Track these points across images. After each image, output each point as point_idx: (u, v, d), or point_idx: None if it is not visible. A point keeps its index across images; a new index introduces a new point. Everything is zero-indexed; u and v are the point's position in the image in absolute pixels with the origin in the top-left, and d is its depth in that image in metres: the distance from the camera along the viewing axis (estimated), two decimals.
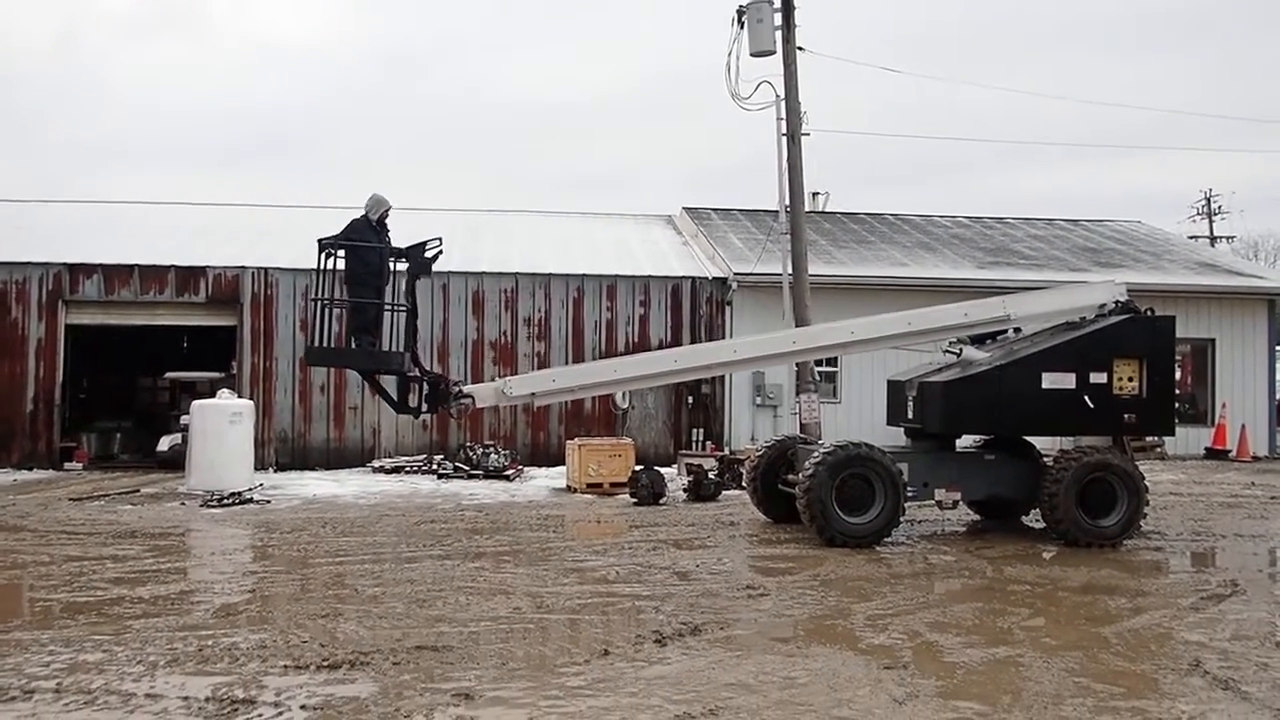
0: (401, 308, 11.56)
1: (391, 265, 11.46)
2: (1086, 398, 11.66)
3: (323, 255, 11.19)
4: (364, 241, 11.13)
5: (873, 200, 71.71)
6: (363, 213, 11.45)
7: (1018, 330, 12.82)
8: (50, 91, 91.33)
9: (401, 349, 11.44)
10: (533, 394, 12.27)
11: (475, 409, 12.36)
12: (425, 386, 11.60)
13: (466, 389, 12.00)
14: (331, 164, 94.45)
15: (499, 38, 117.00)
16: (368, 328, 11.24)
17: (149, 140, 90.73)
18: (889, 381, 13.55)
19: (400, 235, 12.07)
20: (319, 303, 11.30)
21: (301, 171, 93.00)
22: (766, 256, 20.95)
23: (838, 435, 14.10)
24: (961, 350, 12.69)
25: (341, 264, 11.19)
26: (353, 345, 11.46)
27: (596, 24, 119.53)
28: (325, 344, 11.67)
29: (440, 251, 11.59)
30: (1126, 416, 11.80)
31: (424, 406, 11.77)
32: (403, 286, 11.69)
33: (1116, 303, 12.46)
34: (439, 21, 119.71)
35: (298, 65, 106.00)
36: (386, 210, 11.51)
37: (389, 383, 11.84)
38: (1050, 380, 11.70)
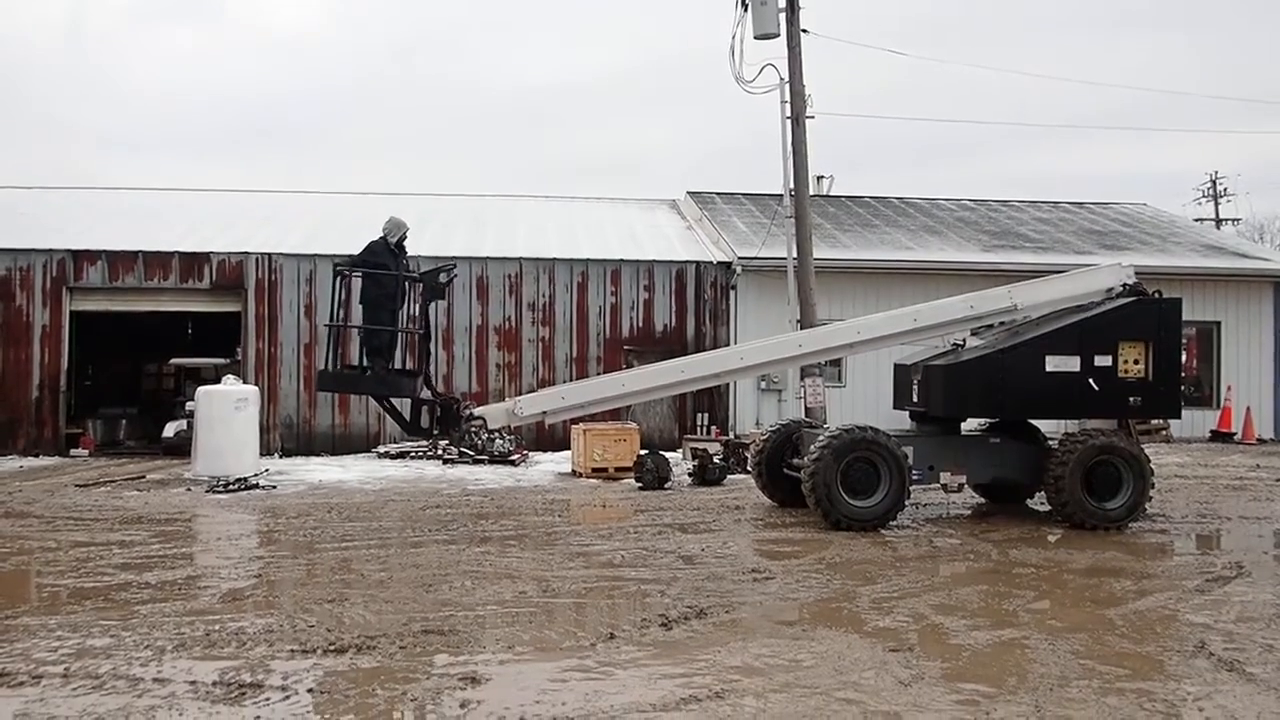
0: (415, 331, 11.85)
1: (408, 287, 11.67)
2: (1091, 381, 11.62)
3: (338, 279, 11.44)
4: (380, 263, 11.28)
5: (877, 183, 71.54)
6: (380, 235, 11.57)
7: (1026, 316, 12.72)
8: (54, 78, 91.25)
9: (414, 370, 11.74)
10: (543, 412, 12.32)
11: (488, 430, 12.46)
12: (438, 409, 11.76)
13: (477, 411, 12.13)
14: (335, 150, 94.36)
15: (502, 23, 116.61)
16: (381, 350, 11.38)
17: (153, 127, 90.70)
18: (895, 365, 13.53)
19: (413, 221, 12.29)
20: (331, 327, 11.52)
21: (306, 158, 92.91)
22: (771, 240, 20.92)
23: (842, 419, 14.11)
24: (964, 341, 12.68)
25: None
26: (365, 367, 11.58)
27: (599, 7, 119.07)
28: (338, 366, 11.85)
29: (454, 277, 11.93)
30: (1132, 399, 11.75)
31: (436, 429, 11.99)
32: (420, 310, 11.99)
33: (1124, 286, 12.36)
34: (442, 8, 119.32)
35: (301, 52, 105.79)
36: (404, 233, 11.66)
37: (403, 402, 11.96)
38: (1054, 363, 11.66)
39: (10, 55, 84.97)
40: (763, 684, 5.79)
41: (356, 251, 11.71)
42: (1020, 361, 11.74)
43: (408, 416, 11.87)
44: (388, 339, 11.44)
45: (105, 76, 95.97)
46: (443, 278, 11.88)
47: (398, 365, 11.78)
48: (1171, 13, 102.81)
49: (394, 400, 11.85)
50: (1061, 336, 11.85)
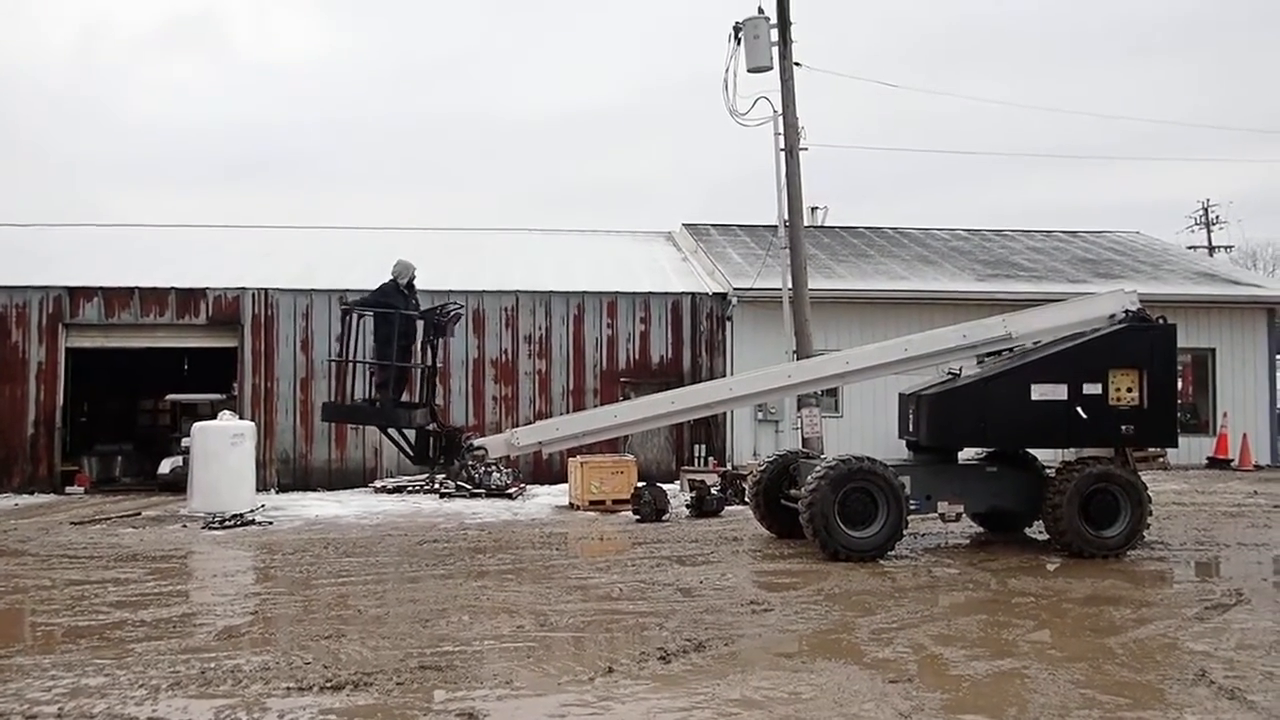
0: (418, 366, 12.55)
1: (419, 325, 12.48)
2: (1079, 409, 11.52)
3: (345, 317, 12.36)
4: (389, 303, 12.12)
5: (871, 213, 71.89)
6: (391, 277, 12.45)
7: (1036, 342, 12.55)
8: (51, 112, 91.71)
9: (416, 403, 12.48)
10: (539, 443, 12.84)
11: (488, 460, 13.23)
12: (443, 440, 12.43)
13: (478, 441, 12.73)
14: (333, 183, 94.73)
15: (500, 55, 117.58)
16: (387, 384, 12.09)
17: (150, 161, 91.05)
18: (900, 395, 13.47)
19: (409, 256, 12.98)
20: (331, 362, 11.92)
21: (305, 190, 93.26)
22: (766, 271, 20.99)
23: (840, 449, 14.10)
24: (961, 370, 12.66)
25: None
26: (372, 400, 12.26)
27: (595, 40, 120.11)
28: (342, 399, 12.61)
29: (459, 315, 12.92)
30: (1124, 428, 11.60)
31: (441, 459, 12.62)
32: (439, 343, 12.88)
33: (1127, 312, 12.10)
34: (441, 40, 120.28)
35: (301, 83, 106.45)
36: (412, 275, 12.55)
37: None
38: (1040, 391, 11.57)
39: (6, 90, 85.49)
40: (762, 717, 5.77)
41: (353, 286, 12.36)
42: (1004, 390, 11.69)
43: (413, 447, 12.35)
44: (393, 374, 12.09)
45: (103, 111, 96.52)
46: (440, 317, 12.47)
47: (409, 399, 12.46)
48: (1163, 42, 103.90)
49: (404, 431, 12.32)
50: (1048, 365, 11.77)
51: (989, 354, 12.64)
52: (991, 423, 11.68)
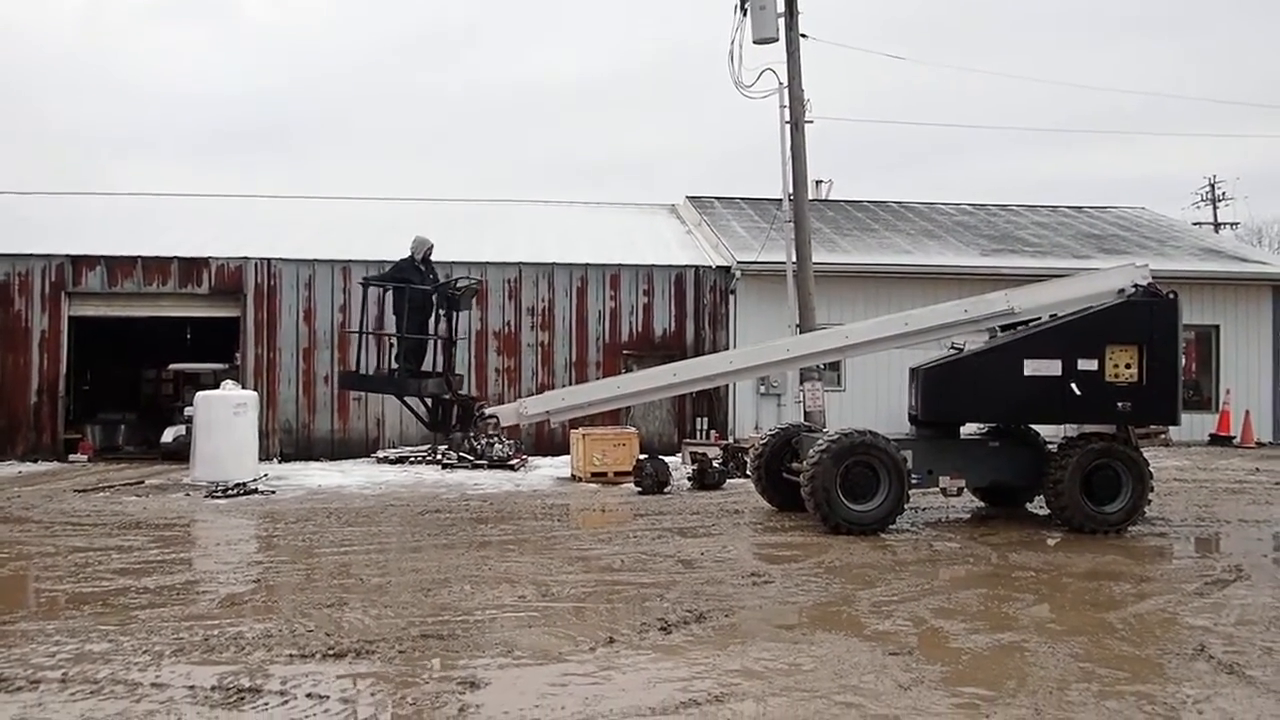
0: (432, 338, 13.10)
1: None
2: (1073, 385, 11.43)
3: (365, 292, 13.24)
4: (405, 278, 12.79)
5: (876, 186, 71.60)
6: (409, 254, 13.05)
7: (1054, 316, 12.33)
8: (54, 80, 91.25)
9: (430, 372, 13.15)
10: (547, 412, 13.24)
11: (499, 428, 13.54)
12: (459, 409, 12.99)
13: (489, 410, 13.23)
14: (335, 152, 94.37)
15: (505, 26, 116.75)
16: (405, 355, 12.83)
17: (152, 130, 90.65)
18: (910, 369, 13.40)
19: (412, 227, 13.75)
20: (348, 333, 13.42)
21: (305, 160, 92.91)
22: (770, 245, 20.93)
23: (842, 423, 14.10)
24: (965, 345, 12.59)
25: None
26: (392, 370, 13.02)
27: (600, 11, 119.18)
28: (375, 367, 13.71)
29: (476, 290, 13.64)
30: (1121, 405, 11.49)
31: (457, 427, 13.22)
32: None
33: (1137, 287, 11.88)
34: (443, 11, 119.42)
35: (303, 54, 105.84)
36: (429, 249, 13.12)
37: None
38: (1033, 367, 11.47)
39: (8, 59, 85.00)
40: (762, 687, 5.79)
41: (356, 257, 12.97)
42: (997, 365, 11.64)
43: (427, 416, 12.99)
44: (410, 345, 12.81)
45: (108, 78, 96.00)
46: (454, 290, 12.94)
47: (428, 369, 13.15)
48: (1169, 16, 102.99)
49: (423, 400, 12.93)
50: (1041, 340, 11.69)
51: (1003, 328, 12.53)
52: (984, 398, 11.63)
